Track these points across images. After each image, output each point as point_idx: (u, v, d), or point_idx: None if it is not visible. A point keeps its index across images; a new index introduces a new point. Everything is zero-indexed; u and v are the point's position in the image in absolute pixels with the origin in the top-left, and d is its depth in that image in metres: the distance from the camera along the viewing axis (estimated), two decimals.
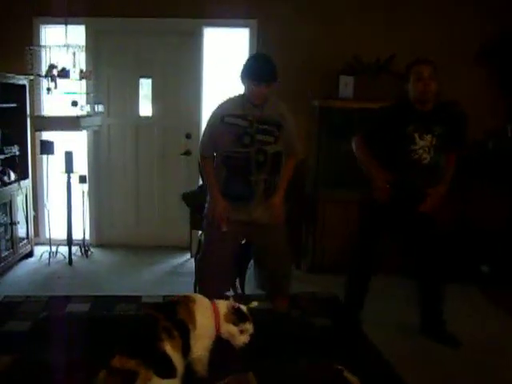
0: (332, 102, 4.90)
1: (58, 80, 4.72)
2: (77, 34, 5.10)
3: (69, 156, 4.92)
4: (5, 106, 4.73)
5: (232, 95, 3.19)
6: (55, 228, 5.38)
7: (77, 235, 5.24)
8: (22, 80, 4.89)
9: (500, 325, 3.90)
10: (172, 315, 2.00)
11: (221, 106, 3.17)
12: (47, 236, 5.31)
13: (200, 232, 4.14)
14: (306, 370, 2.04)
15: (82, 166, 5.37)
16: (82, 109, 4.98)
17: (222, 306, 2.14)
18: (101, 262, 5.16)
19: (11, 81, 4.76)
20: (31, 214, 5.20)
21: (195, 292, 3.65)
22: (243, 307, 2.13)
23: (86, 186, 5.28)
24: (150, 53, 5.39)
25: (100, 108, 5.19)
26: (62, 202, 5.20)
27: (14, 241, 4.82)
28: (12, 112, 4.86)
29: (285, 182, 3.25)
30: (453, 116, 3.48)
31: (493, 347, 3.52)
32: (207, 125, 3.21)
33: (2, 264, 4.61)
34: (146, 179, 5.61)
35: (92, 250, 5.37)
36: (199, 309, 2.07)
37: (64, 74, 4.71)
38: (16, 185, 4.85)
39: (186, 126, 5.33)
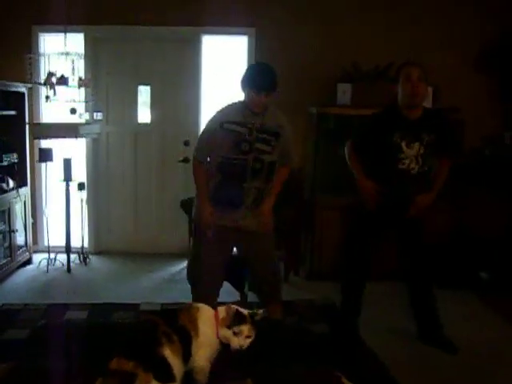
0: (330, 109, 4.91)
1: (57, 88, 4.74)
2: (76, 41, 5.12)
3: (67, 163, 4.92)
4: (4, 113, 4.74)
5: (232, 102, 3.20)
6: (54, 235, 5.37)
7: (75, 243, 5.24)
8: (21, 88, 4.90)
9: (498, 331, 3.90)
10: (173, 321, 2.00)
11: (221, 112, 3.17)
12: (46, 243, 5.31)
13: None
14: (305, 376, 2.04)
15: (80, 173, 5.37)
16: (81, 116, 4.99)
17: (221, 311, 2.13)
18: (99, 270, 5.15)
19: (10, 88, 4.78)
20: (30, 221, 5.20)
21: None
22: (244, 311, 2.11)
23: (84, 194, 5.27)
24: (148, 60, 5.42)
25: (99, 116, 5.21)
26: (60, 210, 5.20)
27: (12, 248, 4.82)
28: (11, 119, 4.88)
29: (276, 190, 3.26)
30: (442, 123, 3.43)
31: (491, 353, 3.51)
32: (205, 129, 3.21)
33: (1, 272, 4.60)
34: (145, 186, 5.62)
35: (90, 257, 5.37)
36: (202, 317, 2.07)
37: (63, 81, 4.72)
38: (14, 192, 4.85)
39: (185, 133, 5.34)
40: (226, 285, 3.66)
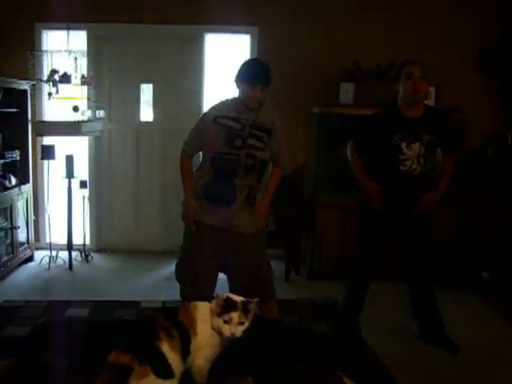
0: (332, 109, 4.91)
1: (60, 85, 4.74)
2: (78, 39, 5.13)
3: (70, 161, 4.93)
4: (6, 110, 4.75)
5: (226, 98, 3.19)
6: (55, 233, 5.39)
7: (77, 240, 5.24)
8: (24, 85, 4.91)
9: (499, 331, 3.90)
10: (172, 317, 1.99)
11: (214, 107, 3.17)
12: (47, 241, 5.32)
13: None
14: (305, 375, 2.04)
15: (82, 171, 5.38)
16: (83, 114, 4.99)
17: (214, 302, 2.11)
18: (101, 267, 5.16)
19: (13, 86, 4.78)
20: (32, 218, 5.21)
21: None
22: (236, 298, 2.05)
23: (86, 191, 5.28)
24: (151, 58, 5.42)
25: (101, 113, 5.21)
26: (62, 207, 5.21)
27: (14, 245, 4.83)
28: (13, 117, 4.89)
29: (271, 191, 3.23)
30: (442, 122, 3.43)
31: (491, 353, 3.52)
32: (197, 124, 3.20)
33: (2, 268, 4.62)
34: (147, 184, 5.63)
35: (92, 254, 5.37)
36: (199, 315, 2.05)
37: (65, 79, 4.73)
38: (17, 189, 4.86)
39: (187, 132, 5.28)
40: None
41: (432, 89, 4.50)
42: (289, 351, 2.28)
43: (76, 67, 4.78)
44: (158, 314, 2.00)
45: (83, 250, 5.28)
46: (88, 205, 5.38)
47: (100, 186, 5.58)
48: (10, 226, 4.76)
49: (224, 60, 5.40)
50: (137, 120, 5.55)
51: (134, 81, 5.46)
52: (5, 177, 4.80)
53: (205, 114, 3.20)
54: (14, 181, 4.88)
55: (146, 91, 5.52)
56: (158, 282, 4.75)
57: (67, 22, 4.80)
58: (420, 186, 3.38)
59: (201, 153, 3.26)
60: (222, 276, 3.29)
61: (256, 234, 3.19)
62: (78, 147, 5.42)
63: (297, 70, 5.20)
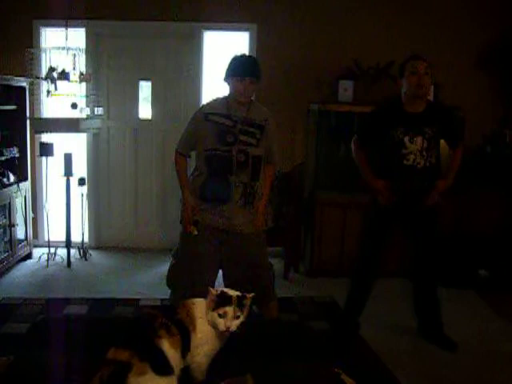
0: (331, 106, 4.91)
1: (58, 82, 4.74)
2: (77, 36, 5.11)
3: (68, 158, 4.93)
4: (5, 107, 4.74)
5: (217, 97, 3.22)
6: (54, 230, 5.38)
7: (75, 237, 5.24)
8: (22, 82, 4.90)
9: (497, 328, 3.91)
10: (171, 314, 2.00)
11: (205, 105, 3.21)
12: (46, 238, 5.31)
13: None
14: (304, 372, 2.04)
15: (81, 168, 5.37)
16: (82, 111, 4.98)
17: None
18: (99, 265, 5.16)
19: (11, 83, 4.77)
20: (30, 215, 5.20)
21: None
22: (231, 292, 2.04)
23: (85, 189, 5.28)
24: (149, 56, 5.42)
25: (100, 111, 5.20)
26: (60, 204, 5.21)
27: (12, 243, 4.82)
28: (12, 114, 4.88)
29: (267, 189, 3.22)
30: (445, 115, 3.44)
31: (489, 350, 3.53)
32: (189, 122, 3.21)
33: (1, 266, 4.61)
34: (145, 182, 5.62)
35: (90, 252, 5.37)
36: (198, 312, 2.05)
37: (64, 76, 4.72)
38: (15, 187, 4.85)
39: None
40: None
41: (431, 87, 4.50)
42: (288, 348, 2.28)
43: (74, 64, 4.77)
44: (157, 312, 2.00)
45: (82, 247, 5.27)
46: (86, 202, 5.37)
47: (98, 183, 5.58)
48: (8, 223, 4.76)
49: (223, 58, 5.38)
50: (135, 117, 5.54)
51: (132, 78, 5.45)
52: (3, 174, 4.79)
53: (196, 112, 3.21)
54: (12, 178, 4.87)
55: (145, 89, 5.52)
56: (156, 280, 4.74)
57: (66, 19, 4.78)
58: (424, 179, 3.37)
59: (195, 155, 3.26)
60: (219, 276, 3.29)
61: (256, 233, 3.18)
62: (76, 144, 5.42)
63: (296, 67, 5.20)
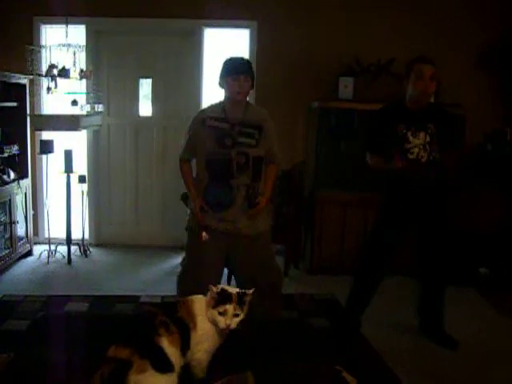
0: (331, 103, 4.90)
1: (58, 79, 4.73)
2: (77, 33, 5.11)
3: (68, 155, 4.92)
4: (5, 104, 4.74)
5: (213, 102, 3.24)
6: (54, 227, 5.38)
7: (76, 235, 5.24)
8: (22, 79, 4.89)
9: (498, 327, 3.91)
10: (171, 312, 2.00)
11: (202, 111, 3.25)
12: (46, 235, 5.32)
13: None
14: (305, 370, 2.04)
15: (81, 165, 5.37)
16: (82, 108, 4.98)
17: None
18: (100, 262, 5.16)
19: (11, 80, 4.77)
20: (30, 213, 5.20)
21: None
22: (231, 290, 2.05)
23: (85, 186, 5.27)
24: (150, 53, 5.41)
25: (100, 108, 5.20)
26: (61, 202, 5.20)
27: (13, 240, 4.82)
28: (12, 111, 4.87)
29: (269, 189, 3.20)
30: (442, 115, 3.45)
31: (490, 348, 3.53)
32: (188, 128, 3.23)
33: (1, 263, 4.61)
34: (146, 179, 5.62)
35: (91, 249, 5.37)
36: (198, 310, 2.05)
37: (64, 73, 4.71)
38: (15, 184, 4.85)
39: (186, 127, 5.29)
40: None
41: None
42: (288, 346, 2.28)
43: (75, 61, 4.77)
44: (157, 310, 2.00)
45: (82, 244, 5.28)
46: (87, 199, 5.37)
47: (99, 180, 5.57)
48: (8, 220, 4.76)
49: (223, 55, 5.36)
50: (135, 115, 5.54)
51: (132, 75, 5.45)
52: (4, 171, 4.79)
53: (194, 117, 3.22)
54: (12, 175, 4.87)
55: (145, 86, 5.51)
56: (157, 277, 4.75)
57: (66, 16, 4.77)
58: (429, 172, 3.36)
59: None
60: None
61: (262, 234, 3.18)
62: (76, 141, 5.41)
63: (296, 64, 5.19)
